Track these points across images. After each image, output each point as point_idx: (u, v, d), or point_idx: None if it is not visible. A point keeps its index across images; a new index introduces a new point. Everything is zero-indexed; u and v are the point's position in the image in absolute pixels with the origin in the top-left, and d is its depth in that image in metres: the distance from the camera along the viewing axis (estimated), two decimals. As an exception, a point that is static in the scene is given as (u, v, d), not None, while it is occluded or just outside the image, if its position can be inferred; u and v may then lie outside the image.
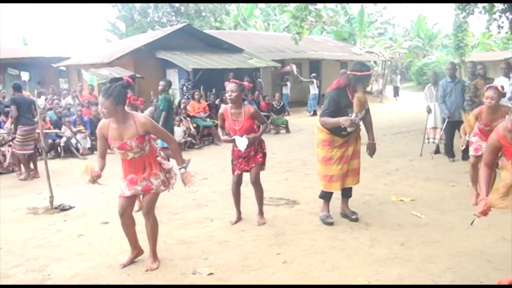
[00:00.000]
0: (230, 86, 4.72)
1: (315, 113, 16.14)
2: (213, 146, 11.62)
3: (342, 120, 4.36)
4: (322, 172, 4.77)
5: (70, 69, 17.79)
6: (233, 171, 4.88)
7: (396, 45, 26.23)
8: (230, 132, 4.84)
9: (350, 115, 4.43)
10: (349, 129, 4.58)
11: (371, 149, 4.81)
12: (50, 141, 9.67)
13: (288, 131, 13.23)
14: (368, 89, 26.39)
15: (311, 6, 12.71)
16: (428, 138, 8.39)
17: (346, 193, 4.95)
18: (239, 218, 4.98)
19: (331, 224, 4.73)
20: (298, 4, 13.33)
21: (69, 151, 9.85)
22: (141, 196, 4.18)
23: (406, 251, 3.95)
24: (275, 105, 13.61)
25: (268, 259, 3.93)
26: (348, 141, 4.70)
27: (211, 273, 3.68)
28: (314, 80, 17.52)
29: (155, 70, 13.93)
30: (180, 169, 3.77)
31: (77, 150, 9.94)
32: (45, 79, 17.50)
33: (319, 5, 14.69)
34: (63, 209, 5.92)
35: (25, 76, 17.36)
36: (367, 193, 5.86)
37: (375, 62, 27.18)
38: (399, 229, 4.55)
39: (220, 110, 4.99)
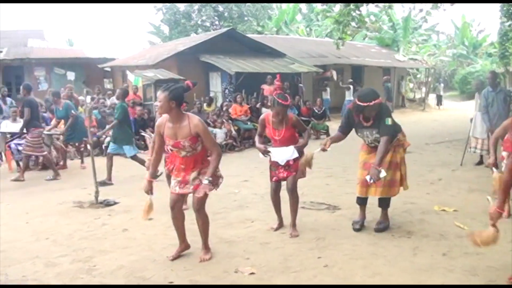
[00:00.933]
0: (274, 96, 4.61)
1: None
2: (253, 149, 11.69)
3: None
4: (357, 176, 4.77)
5: (114, 70, 18.33)
6: (271, 177, 4.80)
7: (440, 53, 25.65)
8: (271, 139, 4.78)
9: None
10: (371, 144, 4.61)
11: (373, 174, 4.37)
12: (94, 139, 9.99)
13: (328, 136, 13.14)
14: (411, 96, 26.03)
15: (354, 13, 12.61)
16: (470, 147, 8.19)
17: (380, 202, 4.80)
18: (280, 225, 4.88)
19: (356, 230, 4.70)
20: (341, 9, 13.28)
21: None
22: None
23: (448, 262, 3.87)
24: (316, 110, 13.58)
25: (309, 262, 3.94)
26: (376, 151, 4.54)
27: (252, 273, 3.73)
28: (351, 86, 17.34)
29: (198, 73, 14.17)
30: (204, 180, 3.79)
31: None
32: (90, 79, 18.08)
33: (363, 10, 14.52)
34: (107, 204, 6.13)
35: (71, 75, 17.99)
36: (409, 201, 5.76)
37: (417, 69, 26.69)
38: (441, 239, 4.46)
39: (262, 116, 4.89)
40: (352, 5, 12.37)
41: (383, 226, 4.73)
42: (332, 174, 7.82)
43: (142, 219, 4.48)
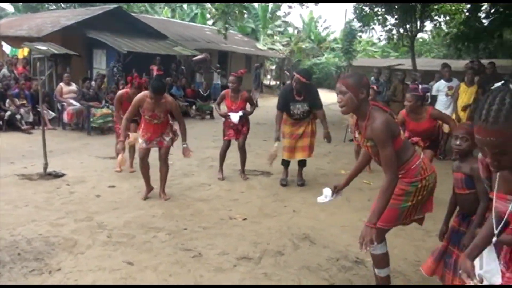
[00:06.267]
0: (231, 78, 6.23)
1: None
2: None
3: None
4: (283, 144, 6.19)
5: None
6: (224, 137, 6.44)
7: (293, 44, 28.53)
8: (227, 109, 6.35)
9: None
10: (297, 116, 5.97)
11: (328, 137, 6.11)
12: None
13: (212, 117, 14.24)
14: (268, 83, 28.49)
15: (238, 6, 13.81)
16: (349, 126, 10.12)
17: (300, 163, 6.33)
18: (222, 177, 6.42)
19: (283, 185, 6.17)
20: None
21: (12, 125, 9.86)
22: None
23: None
24: (202, 92, 14.54)
25: (280, 210, 5.16)
26: (300, 123, 6.08)
27: (245, 218, 4.79)
28: (219, 71, 18.45)
29: (82, 49, 13.97)
30: (183, 144, 5.29)
31: (21, 124, 9.97)
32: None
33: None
34: (56, 175, 6.41)
35: None
36: (319, 168, 7.34)
37: (272, 58, 29.24)
38: (359, 191, 6.00)
39: (222, 92, 6.56)
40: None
41: (303, 182, 6.30)
42: (261, 145, 9.08)
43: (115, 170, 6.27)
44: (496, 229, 1.82)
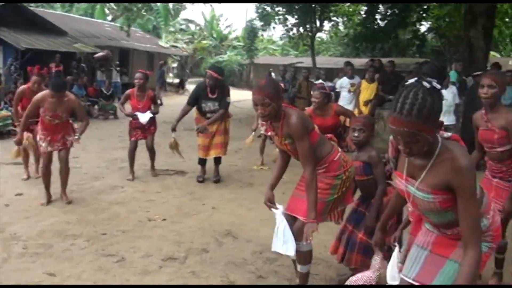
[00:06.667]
0: (138, 75, 6.22)
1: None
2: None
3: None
4: (197, 142, 6.30)
5: None
6: (131, 137, 6.36)
7: (196, 42, 28.43)
8: (133, 108, 6.29)
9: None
10: (208, 115, 6.06)
11: (202, 127, 6.10)
12: None
13: (116, 117, 13.74)
14: (170, 81, 28.05)
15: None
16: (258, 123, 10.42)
17: (215, 160, 6.41)
18: (133, 177, 6.32)
19: (200, 182, 6.28)
20: None
21: None
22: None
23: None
24: (105, 91, 13.98)
25: (199, 208, 5.19)
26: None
27: (164, 219, 4.76)
28: (118, 68, 17.86)
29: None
30: (75, 136, 5.12)
31: None
32: None
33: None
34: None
35: None
36: (232, 165, 7.47)
37: (175, 56, 28.87)
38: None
39: (127, 92, 6.44)
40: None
41: (218, 178, 6.38)
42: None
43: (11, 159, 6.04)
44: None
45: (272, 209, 3.13)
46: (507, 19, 16.80)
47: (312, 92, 5.69)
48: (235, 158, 8.07)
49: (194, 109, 6.23)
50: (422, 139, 1.74)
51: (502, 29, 17.63)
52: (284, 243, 2.97)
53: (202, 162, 6.39)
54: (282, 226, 3.01)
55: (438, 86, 1.80)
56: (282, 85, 7.39)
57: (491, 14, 9.92)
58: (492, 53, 15.94)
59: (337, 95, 8.96)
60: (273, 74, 11.04)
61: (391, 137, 2.06)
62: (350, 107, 7.97)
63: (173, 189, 5.97)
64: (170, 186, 6.10)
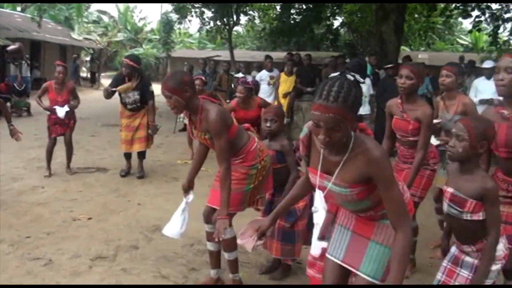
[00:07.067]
0: (59, 69, 6.09)
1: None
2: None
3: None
4: (120, 137, 6.34)
5: None
6: (50, 134, 6.25)
7: (111, 34, 27.40)
8: (51, 102, 6.18)
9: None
10: (129, 106, 6.14)
11: (153, 129, 6.30)
12: None
13: (30, 113, 13.05)
14: (84, 75, 26.89)
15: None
16: (180, 117, 10.36)
17: (139, 155, 6.43)
18: (50, 174, 6.23)
19: (122, 176, 6.33)
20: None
21: None
22: None
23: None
24: (17, 87, 13.17)
25: (125, 205, 5.19)
26: (135, 115, 6.24)
27: (90, 218, 4.71)
28: (29, 62, 16.86)
29: None
30: (9, 126, 5.01)
31: None
32: None
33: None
34: None
35: None
36: (156, 160, 7.48)
37: (88, 49, 27.65)
38: (198, 179, 6.33)
39: (45, 84, 6.33)
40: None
41: (142, 174, 6.41)
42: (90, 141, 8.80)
43: None
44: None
45: (185, 196, 3.34)
46: (416, 15, 18.01)
47: (236, 87, 5.87)
48: (158, 153, 8.07)
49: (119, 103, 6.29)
50: (343, 127, 1.77)
51: (411, 24, 18.86)
52: (170, 225, 3.33)
53: (127, 156, 6.41)
54: (178, 211, 3.32)
55: (361, 80, 1.93)
56: (203, 78, 7.48)
57: (402, 11, 10.65)
58: (402, 47, 17.12)
59: (257, 88, 9.21)
60: (194, 67, 11.07)
61: (301, 136, 2.17)
62: (269, 99, 8.23)
63: (96, 187, 5.89)
64: (93, 184, 6.01)
